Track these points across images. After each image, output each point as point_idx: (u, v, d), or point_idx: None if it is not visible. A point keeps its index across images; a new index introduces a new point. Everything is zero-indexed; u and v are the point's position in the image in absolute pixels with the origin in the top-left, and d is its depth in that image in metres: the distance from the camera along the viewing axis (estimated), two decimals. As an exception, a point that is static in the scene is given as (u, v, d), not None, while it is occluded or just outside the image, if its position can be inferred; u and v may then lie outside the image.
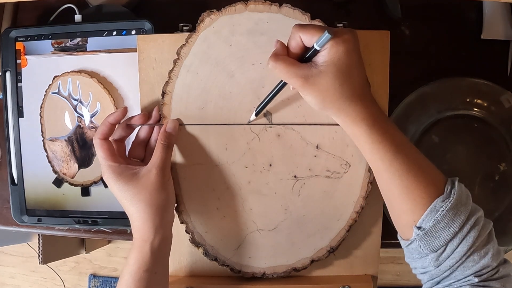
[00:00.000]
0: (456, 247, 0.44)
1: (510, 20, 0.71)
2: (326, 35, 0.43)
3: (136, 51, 0.59)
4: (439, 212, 0.44)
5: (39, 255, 1.38)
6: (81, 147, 0.72)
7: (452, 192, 0.45)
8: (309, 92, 0.46)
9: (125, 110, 0.56)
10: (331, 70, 0.45)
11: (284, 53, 0.48)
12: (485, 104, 0.69)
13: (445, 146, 0.72)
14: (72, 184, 0.73)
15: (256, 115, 0.56)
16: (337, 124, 0.50)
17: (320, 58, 0.46)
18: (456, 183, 0.46)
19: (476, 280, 0.44)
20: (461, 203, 0.45)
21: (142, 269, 0.51)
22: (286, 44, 0.49)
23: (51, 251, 1.42)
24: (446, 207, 0.44)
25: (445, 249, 0.44)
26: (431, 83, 0.68)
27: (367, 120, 0.46)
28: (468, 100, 0.70)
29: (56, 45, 0.72)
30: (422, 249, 0.45)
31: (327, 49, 0.45)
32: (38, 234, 1.38)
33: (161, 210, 0.53)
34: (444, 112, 0.70)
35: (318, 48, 0.45)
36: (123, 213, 0.72)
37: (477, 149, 0.71)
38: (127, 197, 0.52)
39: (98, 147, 0.54)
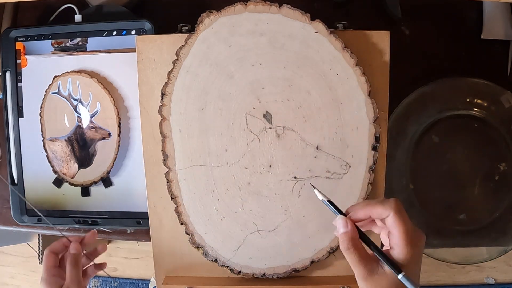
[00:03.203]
0: None
1: (510, 20, 0.71)
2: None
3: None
4: None
5: (39, 255, 1.38)
6: (81, 147, 0.72)
7: None
8: (367, 286, 0.46)
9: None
10: (395, 280, 0.45)
11: (357, 236, 0.47)
12: (485, 104, 0.69)
13: (445, 146, 0.72)
14: (72, 184, 0.73)
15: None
16: (337, 125, 0.49)
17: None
18: None
19: None
20: None
21: None
22: (352, 221, 0.48)
23: (51, 251, 1.42)
24: None
25: None
26: (431, 83, 0.68)
27: None
28: (468, 100, 0.70)
29: (56, 45, 0.72)
30: None
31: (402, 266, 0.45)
32: (38, 234, 1.38)
33: None
34: (444, 112, 0.70)
35: (400, 278, 0.44)
36: (123, 213, 0.73)
37: (477, 149, 0.71)
38: None
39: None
